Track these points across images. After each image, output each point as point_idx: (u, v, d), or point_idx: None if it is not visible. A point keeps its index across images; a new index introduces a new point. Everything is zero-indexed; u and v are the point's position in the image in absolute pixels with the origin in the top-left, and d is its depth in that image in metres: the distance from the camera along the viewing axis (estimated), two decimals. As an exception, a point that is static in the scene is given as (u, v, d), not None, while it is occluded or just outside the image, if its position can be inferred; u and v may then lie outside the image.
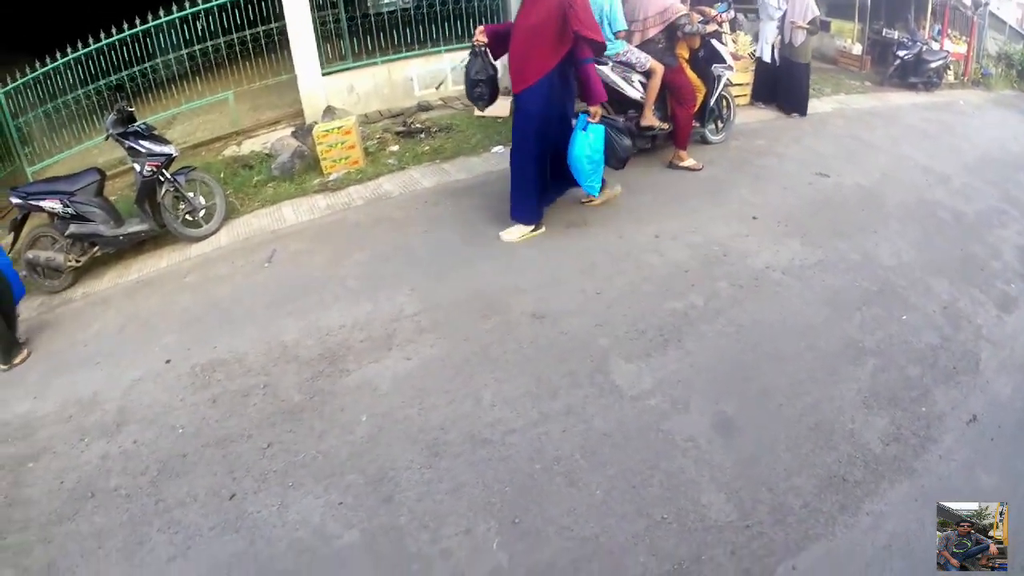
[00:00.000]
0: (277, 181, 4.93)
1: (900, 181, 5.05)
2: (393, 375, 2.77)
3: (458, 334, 3.02)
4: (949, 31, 13.11)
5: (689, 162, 4.88)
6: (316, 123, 5.43)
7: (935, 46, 10.43)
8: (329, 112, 5.76)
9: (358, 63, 6.62)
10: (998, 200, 4.94)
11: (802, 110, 6.59)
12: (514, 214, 3.86)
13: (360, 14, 6.65)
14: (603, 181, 3.97)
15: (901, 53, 9.31)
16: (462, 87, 7.19)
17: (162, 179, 4.15)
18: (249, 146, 5.99)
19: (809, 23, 6.26)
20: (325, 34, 6.36)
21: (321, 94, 6.30)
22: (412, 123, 6.09)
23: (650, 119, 4.69)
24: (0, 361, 3.21)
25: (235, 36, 6.06)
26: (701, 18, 4.84)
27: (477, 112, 6.21)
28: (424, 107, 6.69)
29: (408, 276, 3.51)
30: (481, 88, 3.79)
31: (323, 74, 6.37)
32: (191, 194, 4.28)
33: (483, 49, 3.71)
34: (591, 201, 4.19)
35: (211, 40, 6.06)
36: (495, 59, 3.79)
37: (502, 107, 6.28)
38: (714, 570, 1.97)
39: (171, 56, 6.14)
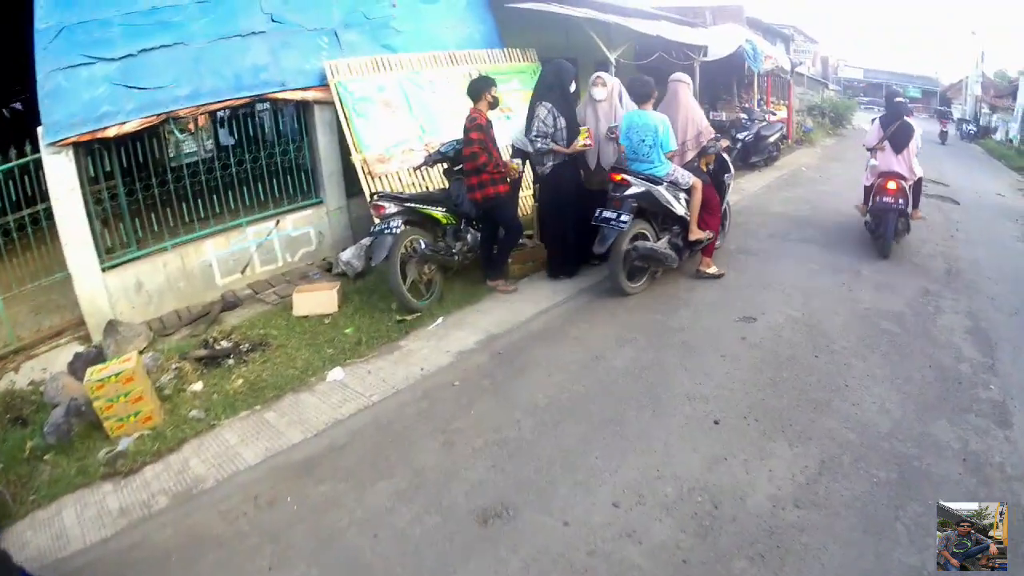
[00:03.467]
0: (54, 450, 3.40)
1: (824, 297, 4.69)
2: None
3: None
4: (772, 99, 14.15)
5: (713, 269, 5.01)
6: (96, 347, 4.07)
7: (770, 119, 10.71)
8: (111, 330, 4.23)
9: (144, 251, 5.08)
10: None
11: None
12: None
13: (141, 185, 5.08)
14: None
15: (741, 136, 9.41)
16: (271, 267, 5.80)
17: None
18: (28, 372, 4.30)
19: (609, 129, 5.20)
20: (102, 215, 4.86)
21: (104, 296, 4.77)
22: (216, 340, 4.47)
23: (697, 232, 4.79)
24: None
25: (-4, 224, 4.44)
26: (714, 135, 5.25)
27: (295, 312, 4.76)
28: (231, 302, 5.13)
29: None
30: None
31: (103, 268, 4.80)
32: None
33: None
34: None
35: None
36: None
37: (328, 302, 4.77)
38: None
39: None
